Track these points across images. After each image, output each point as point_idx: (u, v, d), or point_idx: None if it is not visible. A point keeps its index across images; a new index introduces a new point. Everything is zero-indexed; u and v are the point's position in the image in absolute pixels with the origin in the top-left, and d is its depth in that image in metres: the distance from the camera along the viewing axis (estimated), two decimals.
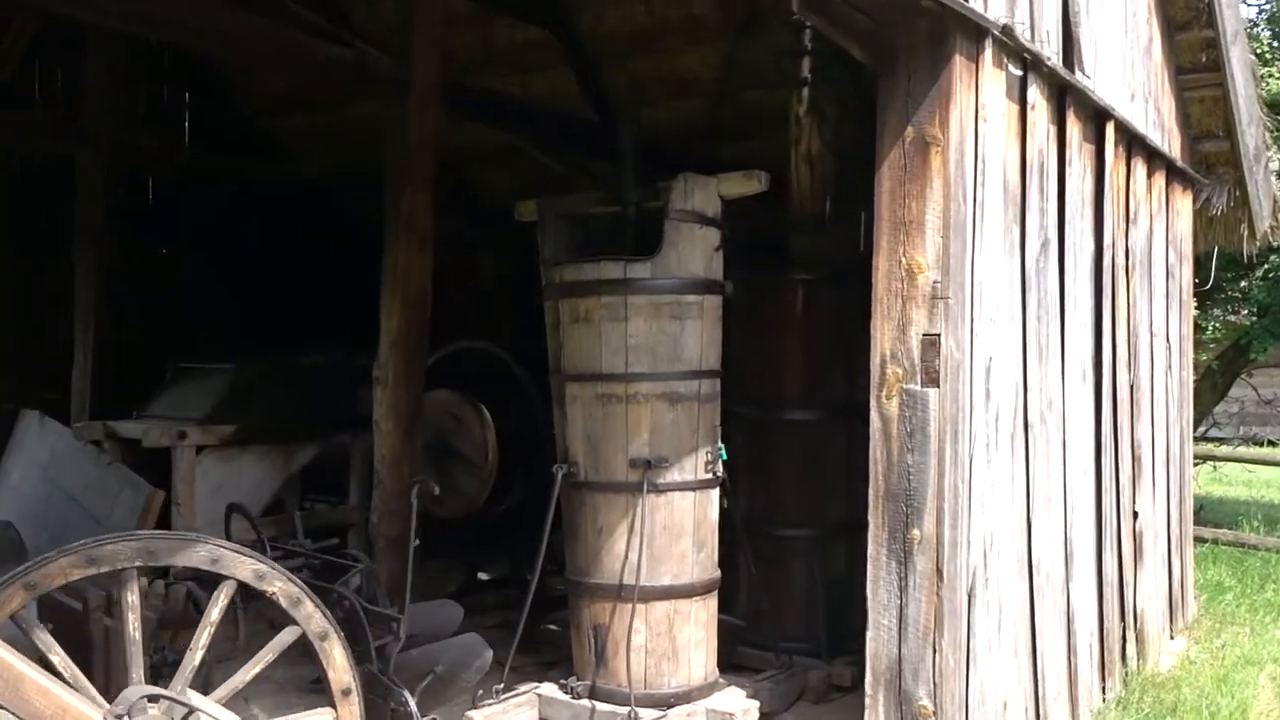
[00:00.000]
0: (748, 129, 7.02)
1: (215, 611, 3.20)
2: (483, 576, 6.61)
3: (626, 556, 4.66)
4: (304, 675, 4.99)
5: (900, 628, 3.86)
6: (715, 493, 4.90)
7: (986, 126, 4.01)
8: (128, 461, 6.49)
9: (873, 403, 4.02)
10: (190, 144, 9.74)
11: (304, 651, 3.41)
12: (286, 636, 3.30)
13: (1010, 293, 4.32)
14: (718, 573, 4.96)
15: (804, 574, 5.69)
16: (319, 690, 3.96)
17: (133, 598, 3.10)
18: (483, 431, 6.04)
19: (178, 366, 7.22)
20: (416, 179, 5.73)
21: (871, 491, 4.07)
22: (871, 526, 4.05)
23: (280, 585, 3.20)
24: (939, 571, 3.82)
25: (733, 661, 5.30)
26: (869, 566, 3.96)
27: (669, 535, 4.70)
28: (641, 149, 5.01)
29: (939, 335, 3.81)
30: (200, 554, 3.18)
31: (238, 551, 3.21)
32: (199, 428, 6.43)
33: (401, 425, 5.74)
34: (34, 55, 7.50)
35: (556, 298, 4.84)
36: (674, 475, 4.69)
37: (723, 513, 5.02)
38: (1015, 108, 4.35)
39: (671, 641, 4.70)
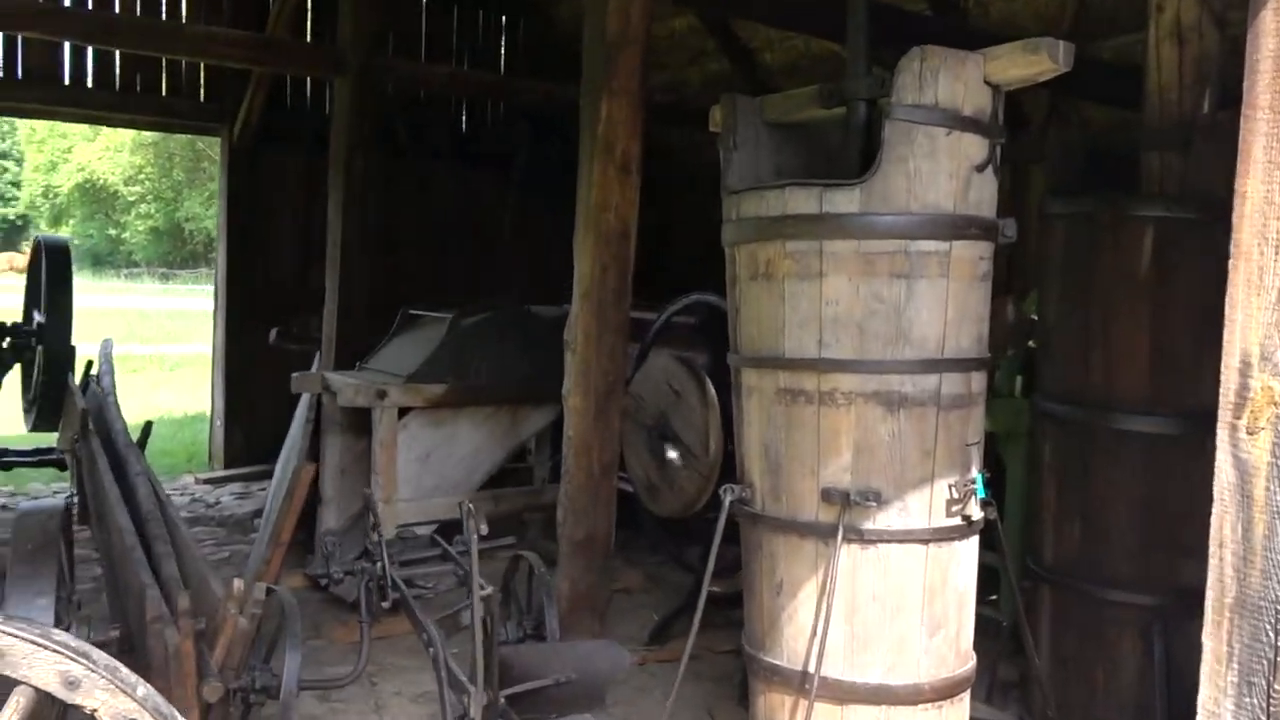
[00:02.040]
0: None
1: None
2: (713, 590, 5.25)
3: (814, 631, 3.11)
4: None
5: None
6: (966, 547, 3.19)
7: None
8: (349, 419, 5.83)
9: (1222, 437, 2.16)
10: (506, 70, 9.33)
11: None
12: None
13: None
14: (969, 666, 3.26)
15: (1136, 659, 3.80)
16: None
17: None
18: (704, 413, 4.64)
19: (406, 312, 6.45)
20: (616, 85, 4.40)
21: (1211, 595, 2.22)
22: (1208, 656, 2.22)
23: (106, 699, 2.04)
24: None
25: None
26: None
27: (881, 608, 3.08)
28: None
29: None
30: None
31: (37, 641, 2.04)
32: (402, 386, 5.58)
33: (592, 400, 4.50)
34: None
35: (733, 241, 3.31)
36: (891, 518, 3.04)
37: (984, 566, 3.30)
38: None
39: None
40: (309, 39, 8.75)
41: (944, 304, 3.01)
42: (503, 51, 9.90)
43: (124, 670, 2.08)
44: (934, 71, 2.93)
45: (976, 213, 3.03)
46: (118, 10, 8.25)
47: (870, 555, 3.05)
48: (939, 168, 2.94)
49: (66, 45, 8.20)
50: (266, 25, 8.08)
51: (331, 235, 6.74)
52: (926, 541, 3.07)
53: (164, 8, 8.49)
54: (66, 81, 8.31)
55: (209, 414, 9.48)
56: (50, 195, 56.86)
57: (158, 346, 18.45)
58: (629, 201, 4.50)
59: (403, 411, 5.60)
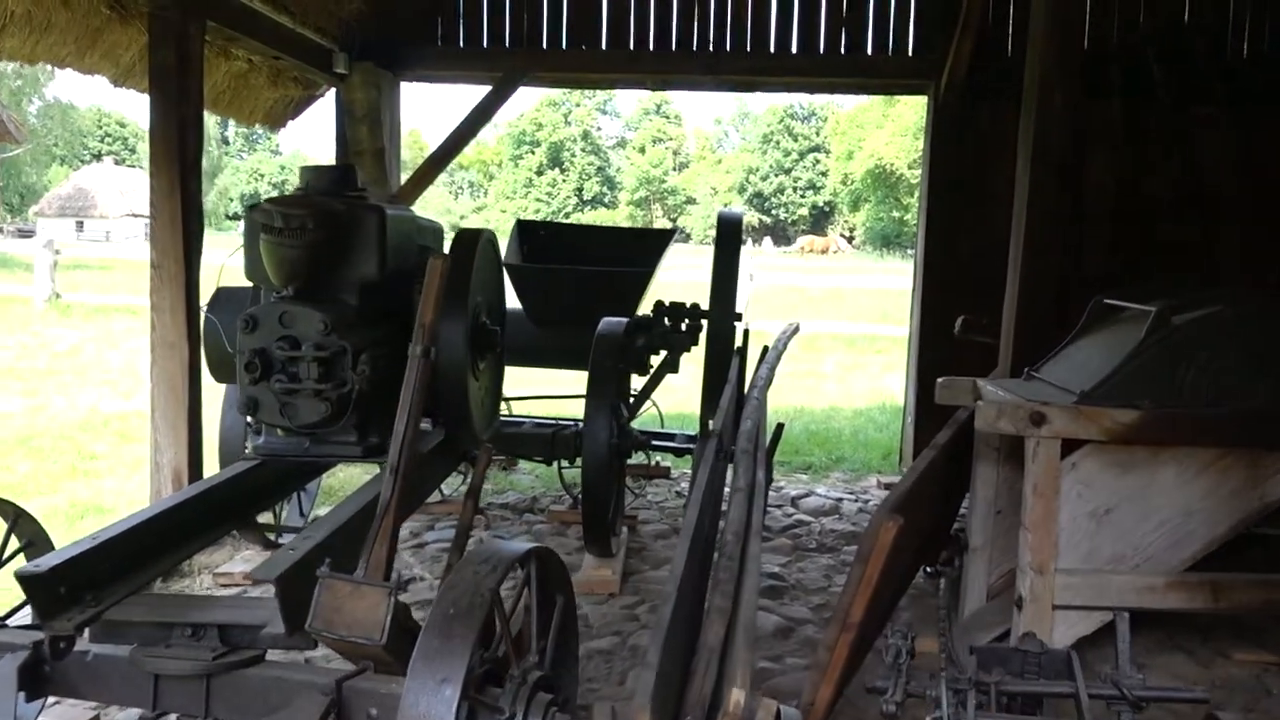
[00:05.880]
0: None
1: None
2: None
3: None
4: None
5: None
6: None
7: None
8: (1011, 444, 4.35)
9: None
10: None
11: None
12: None
13: None
14: None
15: None
16: None
17: None
18: None
19: (1100, 302, 4.65)
20: None
21: None
22: None
23: None
24: None
25: None
26: None
27: None
28: None
29: None
30: None
31: None
32: (1069, 409, 3.91)
33: None
34: None
35: None
36: None
37: None
38: None
39: None
40: None
41: None
42: None
43: None
44: None
45: None
46: None
47: None
48: None
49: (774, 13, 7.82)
50: None
51: (1018, 199, 5.19)
52: None
53: None
54: (772, 49, 7.88)
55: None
56: (848, 182, 61.58)
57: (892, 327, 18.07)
58: None
59: (1071, 445, 3.93)
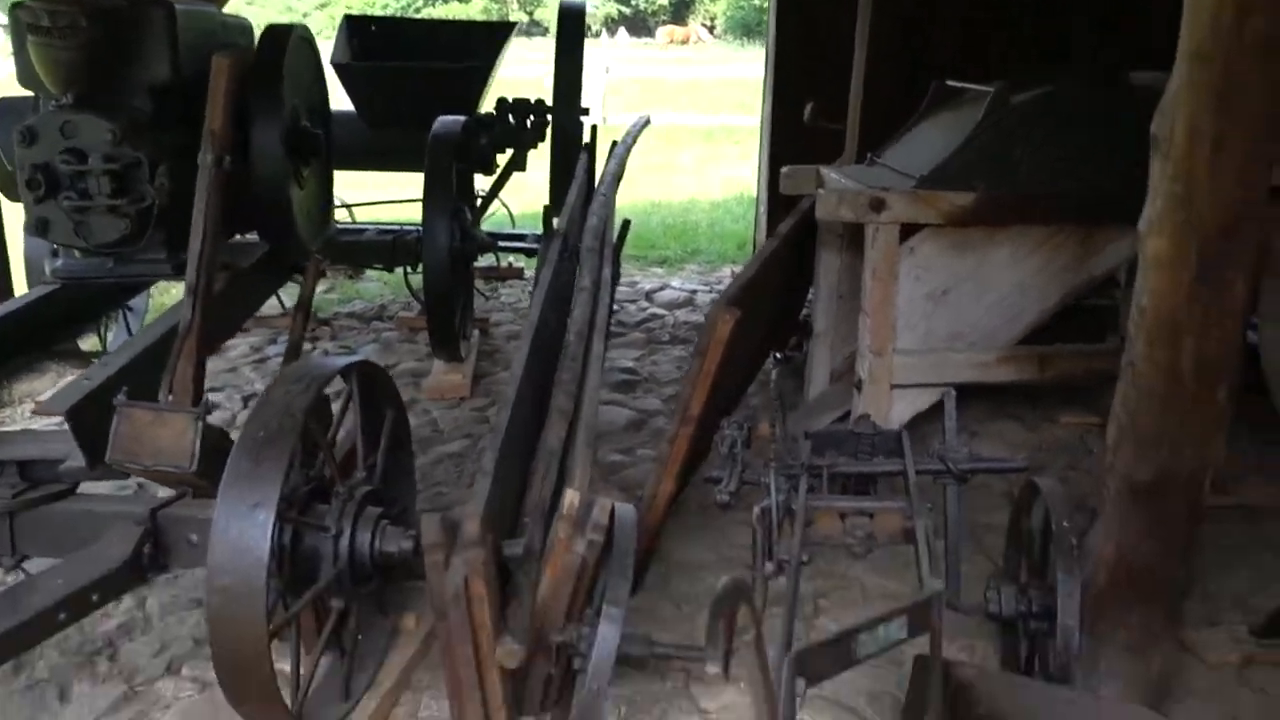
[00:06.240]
0: None
1: None
2: None
3: None
4: None
5: None
6: None
7: None
8: (854, 231, 4.32)
9: None
10: None
11: None
12: None
13: None
14: None
15: None
16: None
17: None
18: None
19: (939, 86, 4.58)
20: None
21: None
22: None
23: None
24: None
25: None
26: None
27: None
28: None
29: None
30: None
31: None
32: (908, 194, 3.89)
33: (1192, 249, 2.57)
34: None
35: None
36: None
37: None
38: None
39: None
40: None
41: None
42: None
43: None
44: None
45: None
46: None
47: None
48: None
49: None
50: None
51: None
52: None
53: None
54: None
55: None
56: None
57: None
58: None
59: (910, 230, 3.93)
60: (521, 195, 7.43)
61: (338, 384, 2.75)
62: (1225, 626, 3.16)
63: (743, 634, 1.60)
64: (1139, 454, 2.65)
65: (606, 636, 2.32)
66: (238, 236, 4.24)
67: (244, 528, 2.24)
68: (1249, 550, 3.68)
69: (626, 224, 5.04)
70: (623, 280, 7.59)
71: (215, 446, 2.59)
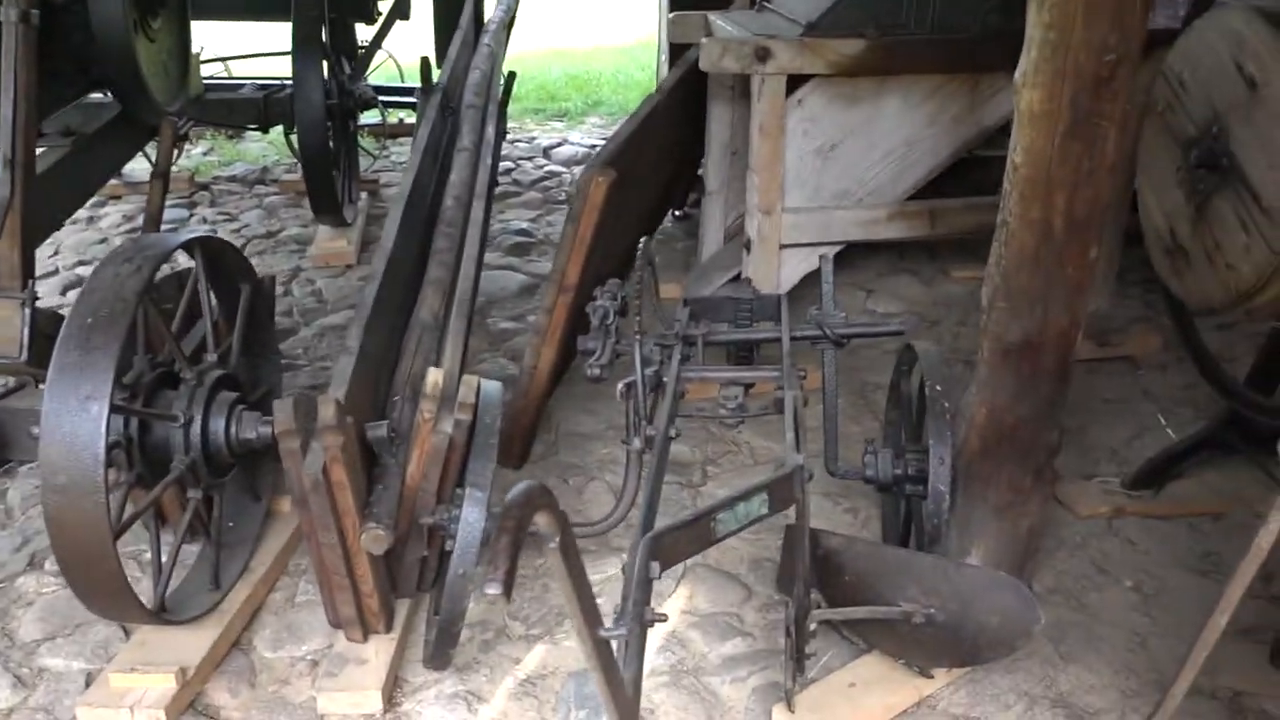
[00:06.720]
0: None
1: None
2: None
3: None
4: None
5: None
6: None
7: None
8: (744, 81, 4.15)
9: None
10: None
11: None
12: None
13: None
14: None
15: None
16: None
17: None
18: None
19: None
20: None
21: None
22: None
23: None
24: None
25: None
26: None
27: None
28: None
29: None
30: None
31: None
32: (795, 43, 3.72)
33: (1064, 98, 2.48)
34: None
35: None
36: None
37: None
38: None
39: None
40: None
41: None
42: None
43: None
44: None
45: None
46: None
47: None
48: None
49: None
50: None
51: None
52: None
53: None
54: None
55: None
56: None
57: None
58: None
59: (798, 81, 3.79)
60: (411, 46, 7.05)
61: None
62: (1098, 480, 3.22)
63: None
64: (1011, 314, 2.61)
65: (470, 519, 2.27)
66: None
67: (76, 422, 2.10)
68: (1129, 402, 3.74)
69: (512, 76, 4.78)
70: (519, 136, 7.34)
71: (49, 333, 2.42)
